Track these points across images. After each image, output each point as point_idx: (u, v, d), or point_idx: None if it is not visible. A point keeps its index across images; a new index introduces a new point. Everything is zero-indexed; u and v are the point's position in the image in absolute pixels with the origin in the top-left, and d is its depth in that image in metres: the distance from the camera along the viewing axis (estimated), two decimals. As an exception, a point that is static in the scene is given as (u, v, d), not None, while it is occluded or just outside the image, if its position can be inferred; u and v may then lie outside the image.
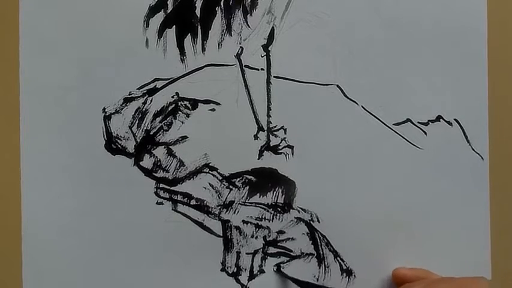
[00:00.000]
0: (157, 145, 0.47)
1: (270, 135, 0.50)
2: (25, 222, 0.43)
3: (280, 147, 0.50)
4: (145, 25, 0.47)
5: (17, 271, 0.42)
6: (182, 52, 0.48)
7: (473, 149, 0.53)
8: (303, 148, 0.51)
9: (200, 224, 0.48)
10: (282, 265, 0.50)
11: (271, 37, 0.49)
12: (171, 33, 0.47)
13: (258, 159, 0.50)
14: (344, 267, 0.52)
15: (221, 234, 0.49)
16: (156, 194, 0.47)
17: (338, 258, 0.51)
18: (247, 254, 0.50)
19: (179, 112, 0.48)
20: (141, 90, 0.47)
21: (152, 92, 0.47)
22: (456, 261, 0.54)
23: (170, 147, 0.48)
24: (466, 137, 0.53)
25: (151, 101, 0.47)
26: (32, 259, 0.43)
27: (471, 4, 0.53)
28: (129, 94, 0.47)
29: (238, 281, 0.49)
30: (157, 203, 0.47)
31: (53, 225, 0.44)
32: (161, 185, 0.47)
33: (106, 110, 0.46)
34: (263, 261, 0.50)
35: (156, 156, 0.47)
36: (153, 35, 0.47)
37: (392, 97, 0.52)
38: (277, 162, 0.50)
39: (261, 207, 0.50)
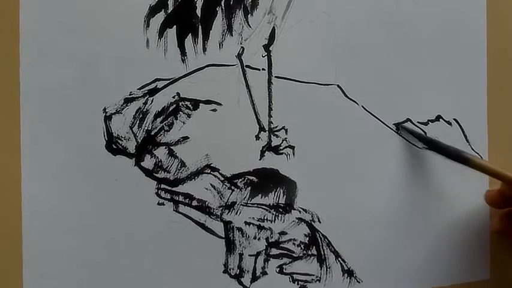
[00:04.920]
0: (159, 145, 0.47)
1: (271, 136, 0.50)
2: (25, 223, 0.42)
3: (281, 148, 0.50)
4: (145, 25, 0.47)
5: (17, 271, 0.42)
6: (183, 52, 0.47)
7: (472, 149, 0.54)
8: (304, 148, 0.51)
9: (202, 225, 0.48)
10: (284, 266, 0.50)
11: (272, 37, 0.49)
12: (171, 33, 0.47)
13: (260, 159, 0.50)
14: (345, 268, 0.51)
15: (223, 236, 0.48)
16: (157, 194, 0.47)
17: (339, 258, 0.51)
18: (249, 255, 0.49)
19: (180, 112, 0.47)
20: (141, 90, 0.47)
21: (153, 92, 0.47)
22: (455, 261, 0.54)
23: (171, 147, 0.47)
24: (466, 137, 0.54)
25: (152, 101, 0.47)
26: (32, 259, 0.42)
27: (471, 4, 0.53)
28: (130, 94, 0.46)
29: (241, 283, 0.49)
30: (158, 204, 0.47)
31: (53, 226, 0.43)
32: (162, 186, 0.47)
33: (106, 110, 0.46)
34: (266, 263, 0.50)
35: (157, 157, 0.47)
36: (154, 35, 0.47)
37: (392, 97, 0.52)
38: (278, 163, 0.50)
39: (262, 208, 0.49)
